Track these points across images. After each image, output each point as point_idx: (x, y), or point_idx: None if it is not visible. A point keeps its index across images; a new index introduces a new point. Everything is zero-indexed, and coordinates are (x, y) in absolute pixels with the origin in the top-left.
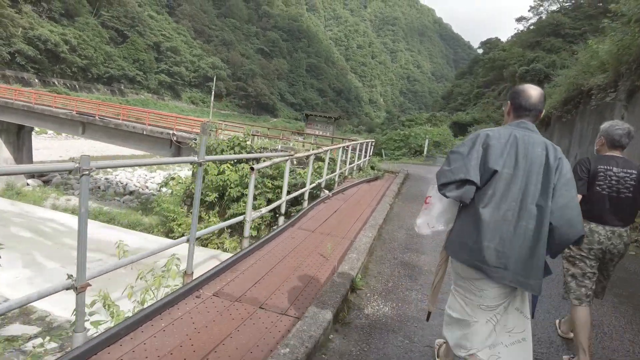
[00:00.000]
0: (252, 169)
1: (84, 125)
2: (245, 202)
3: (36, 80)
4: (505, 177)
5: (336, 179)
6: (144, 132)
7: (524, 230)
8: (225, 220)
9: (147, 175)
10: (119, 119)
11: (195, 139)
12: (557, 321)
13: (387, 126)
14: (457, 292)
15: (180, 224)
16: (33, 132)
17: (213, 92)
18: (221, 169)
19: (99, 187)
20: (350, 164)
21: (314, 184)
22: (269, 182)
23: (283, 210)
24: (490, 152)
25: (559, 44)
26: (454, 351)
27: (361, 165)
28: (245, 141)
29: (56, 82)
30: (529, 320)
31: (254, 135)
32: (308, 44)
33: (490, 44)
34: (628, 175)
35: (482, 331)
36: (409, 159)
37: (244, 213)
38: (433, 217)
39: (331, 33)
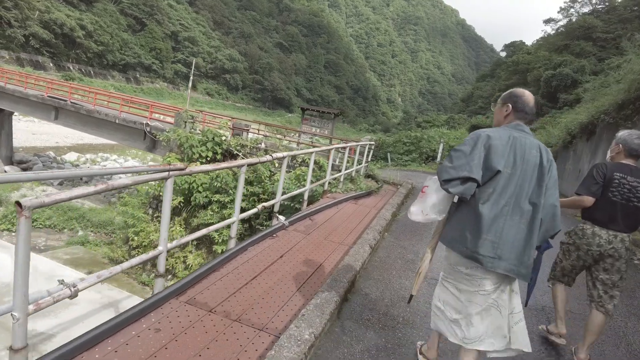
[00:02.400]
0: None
1: (57, 110)
2: (213, 211)
3: (51, 64)
4: (505, 176)
5: (305, 196)
6: (116, 121)
7: (517, 224)
8: (192, 231)
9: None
10: (92, 105)
11: (148, 130)
12: (544, 327)
13: (404, 126)
14: (449, 283)
15: (139, 232)
16: (19, 117)
17: (191, 79)
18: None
19: (80, 179)
20: (344, 169)
21: (260, 207)
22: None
23: (234, 232)
24: (492, 152)
25: (589, 48)
26: (450, 339)
27: (353, 175)
28: (221, 136)
29: (71, 67)
30: (520, 299)
31: (241, 130)
32: (328, 40)
33: (514, 47)
34: None
35: (484, 321)
36: (419, 165)
37: (212, 223)
38: (427, 206)
39: (352, 30)
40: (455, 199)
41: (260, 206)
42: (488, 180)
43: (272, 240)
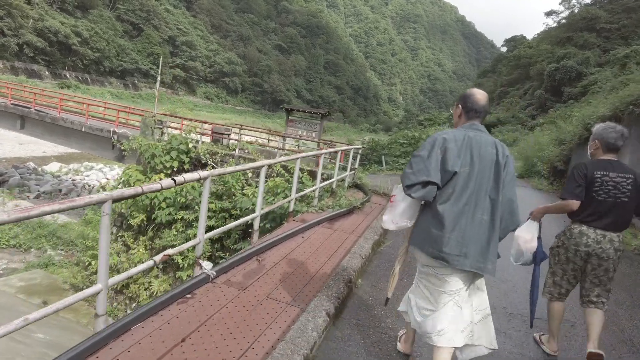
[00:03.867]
0: None
1: (23, 119)
2: (178, 230)
3: (47, 73)
4: (463, 176)
5: (255, 224)
6: (82, 129)
7: (479, 221)
8: (157, 253)
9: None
10: (57, 112)
11: (116, 137)
12: (537, 336)
13: (405, 125)
14: (420, 282)
15: (97, 255)
16: None
17: (159, 80)
18: (152, 180)
19: (60, 191)
20: (319, 182)
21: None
22: (212, 203)
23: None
24: (448, 155)
25: (593, 40)
26: (425, 338)
27: (334, 187)
28: (187, 143)
29: (67, 75)
30: (486, 296)
31: (221, 135)
32: (327, 41)
33: (515, 42)
34: (625, 180)
35: (445, 317)
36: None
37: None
38: (397, 215)
39: (351, 30)
40: (422, 202)
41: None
42: (447, 182)
43: (181, 305)
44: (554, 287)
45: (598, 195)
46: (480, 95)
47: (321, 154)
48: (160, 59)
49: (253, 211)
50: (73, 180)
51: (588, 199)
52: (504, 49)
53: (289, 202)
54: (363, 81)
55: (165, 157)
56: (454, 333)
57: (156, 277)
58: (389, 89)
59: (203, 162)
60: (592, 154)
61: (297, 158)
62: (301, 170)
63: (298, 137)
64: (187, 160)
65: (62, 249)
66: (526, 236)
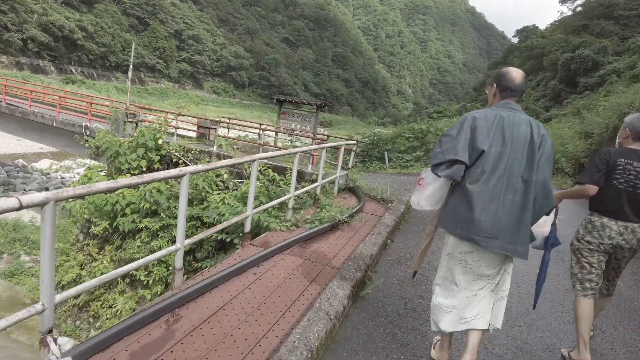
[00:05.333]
0: None
1: None
2: (142, 241)
3: (52, 68)
4: (494, 155)
5: (177, 261)
6: (54, 124)
7: (511, 202)
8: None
9: None
10: (27, 105)
11: (87, 133)
12: (566, 352)
13: (414, 118)
14: (449, 267)
15: (62, 263)
16: None
17: (130, 70)
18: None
19: (47, 189)
20: (293, 189)
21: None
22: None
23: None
24: (477, 133)
25: (610, 27)
26: (459, 326)
27: (317, 192)
28: (157, 139)
29: (73, 70)
30: (510, 279)
31: (208, 129)
32: (335, 33)
33: (527, 32)
34: None
35: (480, 301)
36: (424, 165)
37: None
38: (424, 197)
39: (359, 22)
40: (452, 183)
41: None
42: (476, 161)
43: None
44: (582, 282)
45: (619, 183)
46: (515, 73)
47: (296, 153)
48: (133, 45)
49: (220, 222)
50: (62, 177)
51: (608, 185)
52: (515, 40)
53: (243, 220)
54: (372, 74)
55: (131, 155)
56: (487, 315)
57: (122, 292)
58: (398, 81)
59: (175, 160)
60: (621, 143)
61: (254, 160)
62: (280, 171)
63: (291, 131)
64: (156, 158)
65: (36, 255)
66: (540, 220)
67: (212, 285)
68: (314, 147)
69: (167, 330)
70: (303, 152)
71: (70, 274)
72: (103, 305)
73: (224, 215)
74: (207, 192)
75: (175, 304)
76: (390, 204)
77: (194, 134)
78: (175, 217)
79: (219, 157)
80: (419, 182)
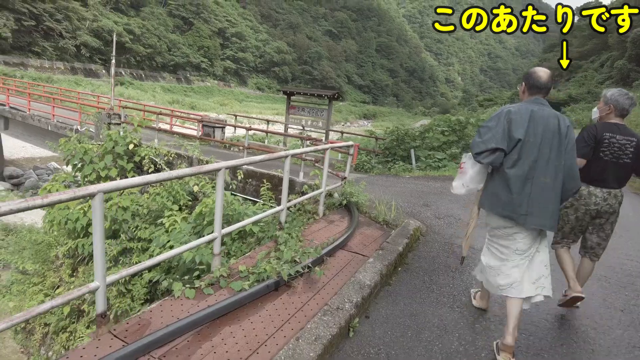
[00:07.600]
0: None
1: (7, 120)
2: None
3: (103, 71)
4: (527, 144)
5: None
6: (49, 128)
7: (543, 183)
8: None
9: None
10: (27, 109)
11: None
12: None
13: (464, 106)
14: (491, 242)
15: (33, 284)
16: None
17: (113, 63)
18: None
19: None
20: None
21: None
22: (132, 226)
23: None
24: (513, 124)
25: None
26: (492, 291)
27: (281, 220)
28: (128, 143)
29: (123, 72)
30: (548, 252)
31: (213, 128)
32: (379, 23)
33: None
34: (629, 142)
35: (514, 272)
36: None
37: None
38: (467, 180)
39: (404, 10)
40: (489, 169)
41: None
42: (512, 149)
43: None
44: (562, 239)
45: (605, 155)
46: (542, 72)
47: (241, 165)
48: (114, 36)
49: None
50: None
51: (595, 158)
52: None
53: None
54: (418, 62)
55: (99, 163)
56: (527, 284)
57: (89, 324)
58: (446, 69)
59: (155, 167)
60: (602, 118)
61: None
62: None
63: (302, 127)
64: (129, 167)
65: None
66: None
67: None
68: (273, 156)
69: None
70: (264, 160)
71: (34, 301)
72: (68, 338)
73: (172, 246)
74: (170, 209)
75: None
76: (393, 229)
77: (194, 134)
78: (137, 240)
79: (200, 162)
80: (460, 166)
